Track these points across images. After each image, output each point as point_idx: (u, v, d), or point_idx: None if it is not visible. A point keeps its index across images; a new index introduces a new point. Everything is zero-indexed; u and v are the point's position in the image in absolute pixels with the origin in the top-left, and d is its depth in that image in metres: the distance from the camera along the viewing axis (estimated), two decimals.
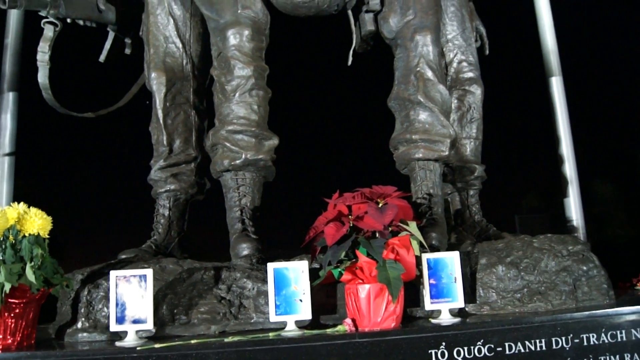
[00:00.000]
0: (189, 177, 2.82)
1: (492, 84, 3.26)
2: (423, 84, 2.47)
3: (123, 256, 2.52)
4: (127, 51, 3.28)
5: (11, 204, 1.98)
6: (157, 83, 2.80)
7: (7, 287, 1.80)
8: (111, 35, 3.17)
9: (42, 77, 2.87)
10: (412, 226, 1.92)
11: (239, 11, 2.51)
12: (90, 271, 2.22)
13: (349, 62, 2.72)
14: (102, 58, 3.20)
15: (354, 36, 2.72)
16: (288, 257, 2.19)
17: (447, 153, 2.46)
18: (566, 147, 3.95)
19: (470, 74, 2.95)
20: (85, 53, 3.38)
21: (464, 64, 2.94)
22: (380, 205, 1.92)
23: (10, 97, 3.63)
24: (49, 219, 1.95)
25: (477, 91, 2.95)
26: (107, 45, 3.18)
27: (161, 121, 2.79)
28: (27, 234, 1.89)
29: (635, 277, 2.90)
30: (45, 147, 4.13)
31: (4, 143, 3.60)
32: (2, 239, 1.87)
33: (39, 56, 2.86)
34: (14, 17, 3.67)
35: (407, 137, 2.49)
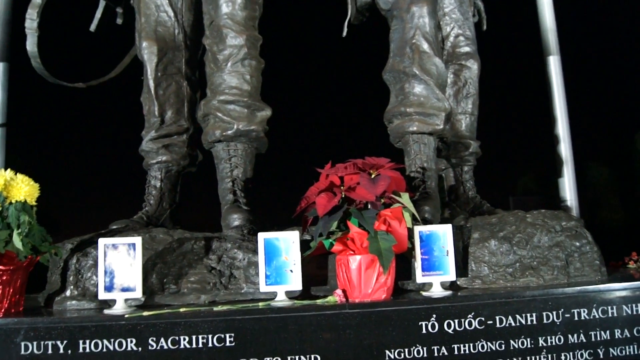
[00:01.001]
0: (180, 148, 2.78)
1: (489, 60, 3.22)
2: (419, 56, 2.43)
3: (114, 227, 2.49)
4: (119, 21, 3.21)
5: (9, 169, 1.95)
6: (148, 52, 2.74)
7: None
8: (102, 4, 3.10)
9: (31, 45, 2.81)
10: (405, 198, 1.90)
11: None
12: (80, 240, 2.19)
13: (344, 34, 2.67)
14: (92, 27, 3.13)
15: (349, 7, 2.68)
16: (280, 229, 2.18)
17: (441, 127, 2.43)
18: (562, 128, 3.91)
19: (467, 49, 2.91)
20: (75, 22, 3.32)
21: (461, 38, 2.90)
22: (372, 176, 1.90)
23: (0, 67, 3.56)
24: (36, 185, 1.92)
25: (473, 66, 2.91)
26: (98, 14, 3.11)
27: (152, 92, 2.74)
28: (13, 201, 1.86)
29: (627, 256, 2.91)
30: (37, 118, 4.08)
31: None
32: None
33: (27, 23, 2.79)
34: None
35: (402, 110, 2.45)
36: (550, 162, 3.93)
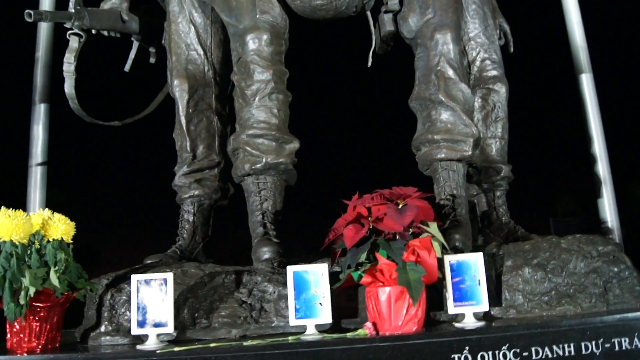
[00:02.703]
0: (212, 182, 2.83)
1: (520, 83, 3.18)
2: (444, 83, 2.43)
3: (148, 261, 2.54)
4: (152, 60, 3.32)
5: (38, 210, 2.02)
6: (179, 90, 2.83)
7: (32, 291, 1.83)
8: (135, 44, 3.21)
9: (69, 87, 2.92)
10: (433, 227, 1.88)
11: (257, 16, 2.52)
12: (115, 276, 2.24)
13: (369, 64, 2.69)
14: (127, 67, 3.24)
15: (374, 37, 2.70)
16: (309, 261, 2.18)
17: (470, 153, 2.41)
18: (598, 147, 3.79)
19: (494, 72, 2.89)
20: (110, 63, 3.45)
21: (487, 62, 2.88)
22: (400, 206, 1.89)
23: (41, 108, 3.69)
24: (72, 224, 1.98)
25: (501, 89, 2.88)
26: (132, 54, 3.23)
27: (184, 127, 2.82)
28: (51, 239, 1.92)
29: None
30: (75, 156, 4.22)
31: (36, 153, 3.66)
32: (27, 244, 1.90)
33: (65, 67, 2.91)
34: (44, 31, 3.75)
35: (429, 137, 2.44)
36: (589, 181, 3.83)
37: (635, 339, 1.81)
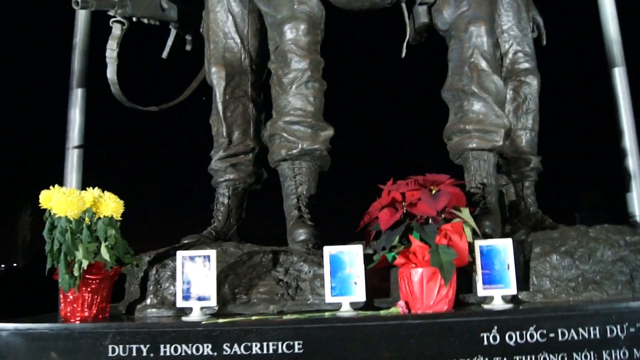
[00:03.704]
0: (247, 167, 2.97)
1: (552, 75, 3.25)
2: (477, 75, 2.52)
3: (185, 241, 2.69)
4: (188, 47, 3.45)
5: (87, 188, 2.17)
6: (217, 77, 2.96)
7: (85, 264, 1.99)
8: (173, 32, 3.35)
9: (111, 73, 3.07)
10: (465, 213, 1.99)
11: (295, 6, 2.63)
12: (155, 254, 2.40)
13: (403, 55, 2.80)
14: (164, 54, 3.39)
15: (408, 29, 2.80)
16: (342, 243, 2.30)
17: (501, 143, 2.50)
18: (629, 141, 3.82)
19: (526, 65, 2.97)
20: (147, 50, 3.60)
21: (520, 54, 2.96)
22: (433, 192, 2.00)
23: (79, 93, 3.85)
24: (122, 202, 2.14)
25: (533, 82, 2.96)
26: (169, 42, 3.37)
27: (221, 114, 2.95)
28: (102, 216, 2.07)
29: None
30: (112, 140, 4.40)
31: (73, 137, 3.82)
32: (79, 220, 2.06)
33: (108, 53, 3.06)
34: (81, 18, 3.91)
35: (461, 127, 2.54)
36: (618, 177, 3.86)
37: None
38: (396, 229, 1.94)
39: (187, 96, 3.55)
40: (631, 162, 3.76)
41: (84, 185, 3.83)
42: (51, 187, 2.12)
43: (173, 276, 2.18)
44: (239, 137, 2.98)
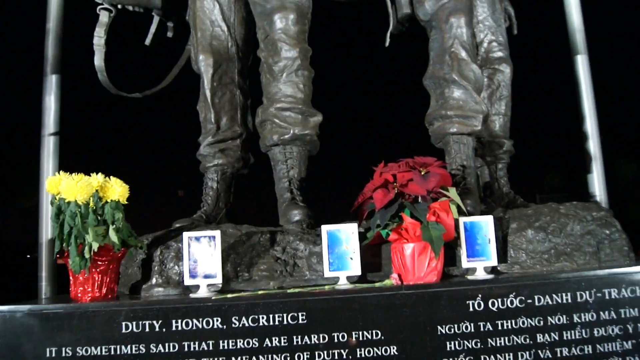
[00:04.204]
0: (235, 152, 3.12)
1: (520, 62, 3.49)
2: (457, 64, 2.73)
3: (177, 224, 2.82)
4: (170, 34, 3.55)
5: (91, 174, 2.29)
6: (204, 65, 3.08)
7: (95, 246, 2.12)
8: (156, 19, 3.44)
9: (98, 60, 3.16)
10: (452, 192, 2.21)
11: None
12: (153, 237, 2.54)
13: (387, 44, 2.99)
14: (147, 42, 3.47)
15: (391, 19, 2.99)
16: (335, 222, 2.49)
17: (479, 128, 2.74)
18: (590, 125, 4.08)
19: (500, 54, 3.21)
20: (127, 36, 3.67)
21: (494, 44, 3.20)
22: (422, 173, 2.21)
23: (53, 79, 3.88)
24: (127, 187, 2.27)
25: (506, 70, 3.21)
26: (152, 29, 3.46)
27: (209, 100, 3.08)
28: (109, 200, 2.20)
29: None
30: (87, 126, 4.45)
31: (48, 123, 3.87)
32: (87, 204, 2.18)
33: (95, 40, 3.15)
34: (54, 3, 3.95)
35: (442, 113, 2.76)
36: (578, 160, 4.15)
37: (622, 290, 2.17)
38: (390, 207, 2.14)
39: (169, 82, 3.66)
40: (592, 145, 4.04)
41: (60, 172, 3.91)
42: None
43: (177, 257, 2.33)
44: (227, 123, 3.12)
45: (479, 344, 2.05)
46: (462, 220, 2.27)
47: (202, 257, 2.19)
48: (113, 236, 2.17)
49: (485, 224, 2.28)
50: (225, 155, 3.10)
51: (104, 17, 3.13)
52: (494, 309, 2.09)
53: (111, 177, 2.27)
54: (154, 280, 2.34)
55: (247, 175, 3.28)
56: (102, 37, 3.13)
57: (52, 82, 3.84)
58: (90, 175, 2.27)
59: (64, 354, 2.01)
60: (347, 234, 2.23)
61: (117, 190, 2.21)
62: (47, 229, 3.68)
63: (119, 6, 3.22)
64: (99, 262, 2.18)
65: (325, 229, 2.24)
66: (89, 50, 3.38)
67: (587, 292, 2.15)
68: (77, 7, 3.67)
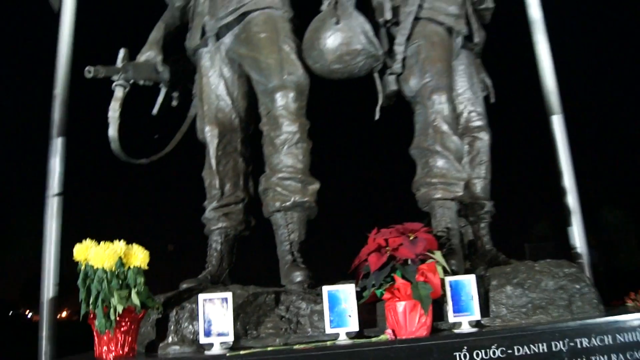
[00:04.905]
0: (237, 215, 3.46)
1: (500, 125, 3.91)
2: (440, 136, 3.14)
3: (184, 285, 3.13)
4: (174, 103, 3.94)
5: (114, 241, 2.60)
6: (210, 135, 3.46)
7: (120, 308, 2.42)
8: (163, 90, 3.83)
9: (112, 131, 3.51)
10: (438, 254, 2.56)
11: (285, 77, 3.18)
12: (165, 297, 2.85)
13: (377, 117, 3.40)
14: (155, 111, 3.86)
15: (380, 94, 3.40)
16: (332, 283, 2.81)
17: (461, 193, 3.12)
18: (568, 179, 4.45)
19: (479, 123, 3.62)
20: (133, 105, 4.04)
21: (473, 114, 3.62)
22: (411, 238, 2.56)
23: (59, 142, 4.23)
24: (147, 252, 2.59)
25: (485, 137, 3.62)
26: (160, 99, 3.84)
27: (214, 168, 3.44)
28: (132, 266, 2.52)
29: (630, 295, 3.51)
30: (91, 187, 4.76)
31: (53, 185, 4.18)
32: (111, 270, 2.49)
33: (110, 113, 3.50)
34: (61, 70, 4.33)
35: (428, 180, 3.15)
36: (560, 213, 4.50)
37: (592, 339, 2.49)
38: (384, 269, 2.48)
39: (172, 148, 4.02)
40: (570, 199, 4.39)
41: (64, 233, 4.19)
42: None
43: (191, 317, 2.64)
44: (230, 189, 3.47)
45: None
46: (448, 279, 2.61)
47: (215, 317, 2.50)
48: (135, 299, 2.48)
49: (468, 282, 2.62)
50: (229, 218, 3.43)
51: (118, 92, 3.50)
52: (478, 359, 2.41)
53: (133, 244, 2.59)
54: (170, 339, 2.63)
55: (248, 237, 3.61)
56: (116, 110, 3.48)
57: (57, 145, 4.19)
58: (95, 239, 2.58)
59: None
60: (346, 294, 2.56)
61: (139, 256, 2.53)
62: (48, 290, 3.96)
63: (131, 81, 3.60)
64: (122, 323, 2.47)
65: (326, 289, 2.57)
66: (94, 114, 3.74)
67: (561, 342, 2.47)
68: (80, 74, 4.05)
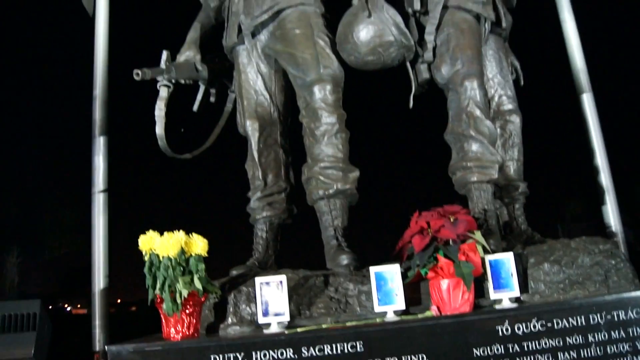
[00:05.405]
0: (281, 204, 3.69)
1: (530, 106, 4.06)
2: (473, 121, 3.32)
3: (234, 271, 3.37)
4: (212, 99, 4.18)
5: (174, 232, 2.84)
6: (251, 129, 3.69)
7: (185, 293, 2.68)
8: (202, 88, 4.06)
9: (160, 129, 3.75)
10: (478, 234, 2.75)
11: (321, 70, 3.38)
12: (220, 283, 3.09)
13: (411, 105, 3.59)
14: (195, 108, 4.09)
15: (413, 83, 3.59)
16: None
17: (496, 176, 3.30)
18: (600, 158, 4.59)
19: (510, 106, 3.79)
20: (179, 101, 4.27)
21: (504, 97, 3.78)
22: (452, 220, 2.76)
23: (101, 140, 4.50)
24: (206, 241, 2.83)
25: (516, 120, 3.79)
26: (199, 96, 4.08)
27: (256, 160, 3.67)
28: (193, 254, 2.76)
29: None
30: (134, 183, 5.04)
31: (98, 182, 4.46)
32: (175, 258, 2.74)
33: (157, 112, 3.74)
34: (99, 72, 4.59)
35: (463, 164, 3.34)
36: (593, 192, 4.62)
37: (629, 312, 2.67)
38: (427, 249, 2.69)
39: (212, 142, 4.25)
40: (604, 178, 4.53)
41: (110, 228, 4.47)
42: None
43: (247, 299, 2.88)
44: (273, 179, 3.70)
45: None
46: (487, 258, 2.81)
47: (272, 298, 2.74)
48: (198, 284, 2.73)
49: (507, 260, 2.82)
50: (273, 207, 3.67)
51: (163, 92, 3.73)
52: (519, 332, 2.60)
53: (193, 233, 2.83)
54: (229, 320, 2.88)
55: (292, 225, 3.85)
56: (162, 109, 3.72)
57: (100, 144, 4.46)
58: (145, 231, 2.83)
59: None
60: (392, 274, 2.77)
61: (199, 245, 2.78)
62: (99, 281, 4.25)
63: (173, 81, 3.83)
64: (187, 307, 2.72)
65: (373, 270, 2.79)
66: (133, 112, 3.99)
67: (599, 315, 2.66)
68: (119, 75, 4.30)
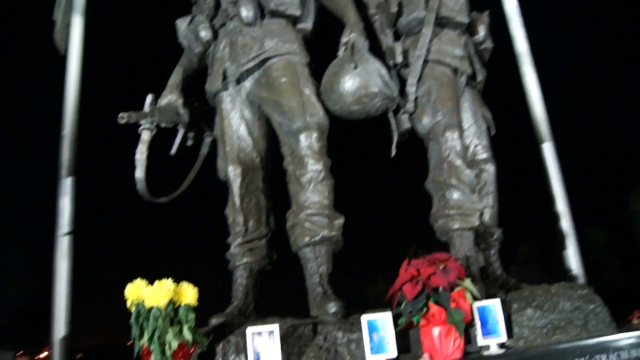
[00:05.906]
0: (261, 250, 3.69)
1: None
2: (455, 170, 3.45)
3: (214, 320, 3.33)
4: (189, 143, 4.19)
5: (164, 280, 2.80)
6: (234, 174, 3.70)
7: (175, 344, 2.63)
8: (181, 132, 4.08)
9: (140, 172, 3.73)
10: (467, 282, 2.84)
11: (307, 118, 3.46)
12: (204, 332, 3.05)
13: (393, 154, 3.70)
14: (173, 152, 4.09)
15: (394, 132, 3.71)
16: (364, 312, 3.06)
17: (477, 223, 3.43)
18: (561, 204, 4.79)
19: (484, 155, 3.96)
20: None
21: (479, 147, 3.95)
22: (441, 267, 2.84)
23: (68, 181, 4.40)
24: (196, 289, 2.80)
25: (490, 168, 3.95)
26: (177, 140, 4.09)
27: (238, 205, 3.68)
28: (182, 303, 2.73)
29: (630, 314, 3.86)
30: (100, 226, 4.93)
31: (63, 224, 4.35)
32: (164, 308, 2.70)
33: (138, 155, 3.73)
34: (69, 111, 4.53)
35: (445, 212, 3.45)
36: (551, 234, 4.77)
37: (610, 354, 2.80)
38: (419, 297, 2.75)
39: (187, 186, 4.25)
40: (564, 223, 4.71)
41: (74, 272, 4.34)
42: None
43: (236, 349, 2.85)
44: (254, 225, 3.71)
45: None
46: (476, 304, 2.89)
47: (263, 349, 2.72)
48: (187, 335, 2.69)
49: (494, 306, 2.91)
50: (253, 253, 3.66)
51: (145, 136, 3.73)
52: None
53: (183, 282, 2.80)
54: None
55: (270, 270, 3.84)
56: (143, 152, 3.71)
57: (66, 185, 4.36)
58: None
59: None
60: (383, 322, 2.81)
61: (189, 294, 2.75)
62: (60, 328, 4.10)
63: (155, 124, 3.83)
64: (176, 359, 2.67)
65: (365, 318, 2.82)
66: (101, 153, 3.96)
67: (582, 359, 2.78)
68: (88, 115, 4.26)
